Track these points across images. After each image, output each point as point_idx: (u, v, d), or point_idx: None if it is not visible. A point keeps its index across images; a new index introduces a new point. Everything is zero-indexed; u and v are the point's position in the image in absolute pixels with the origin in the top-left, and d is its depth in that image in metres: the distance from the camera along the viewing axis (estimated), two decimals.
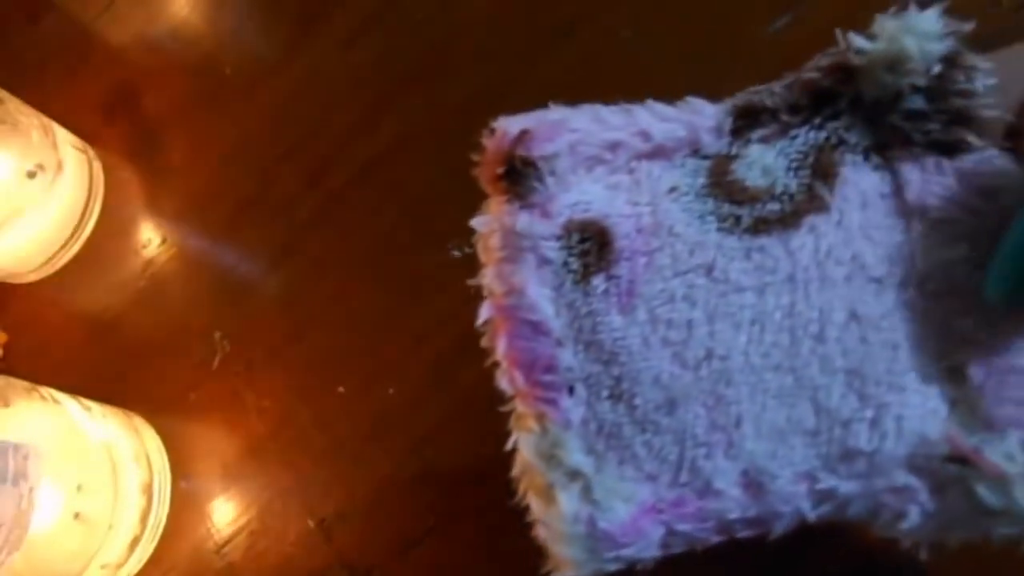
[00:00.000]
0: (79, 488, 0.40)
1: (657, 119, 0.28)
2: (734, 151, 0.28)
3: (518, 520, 0.40)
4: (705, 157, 0.28)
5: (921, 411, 0.24)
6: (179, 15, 0.54)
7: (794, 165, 0.27)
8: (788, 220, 0.26)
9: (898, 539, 0.25)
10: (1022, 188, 0.24)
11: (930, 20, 0.26)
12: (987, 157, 0.26)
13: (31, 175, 0.47)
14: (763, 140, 0.28)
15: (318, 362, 0.45)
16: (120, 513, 0.42)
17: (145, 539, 0.44)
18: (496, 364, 0.28)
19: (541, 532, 0.26)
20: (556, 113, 0.28)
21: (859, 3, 0.43)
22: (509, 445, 0.27)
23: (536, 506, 0.26)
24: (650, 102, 0.29)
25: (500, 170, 0.27)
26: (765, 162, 0.27)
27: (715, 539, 0.25)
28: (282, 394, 0.45)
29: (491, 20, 0.49)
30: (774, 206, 0.27)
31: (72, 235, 0.50)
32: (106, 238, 0.51)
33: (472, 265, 0.44)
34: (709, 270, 0.26)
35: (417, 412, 0.43)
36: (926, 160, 0.26)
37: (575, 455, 0.26)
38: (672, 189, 0.28)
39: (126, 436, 0.44)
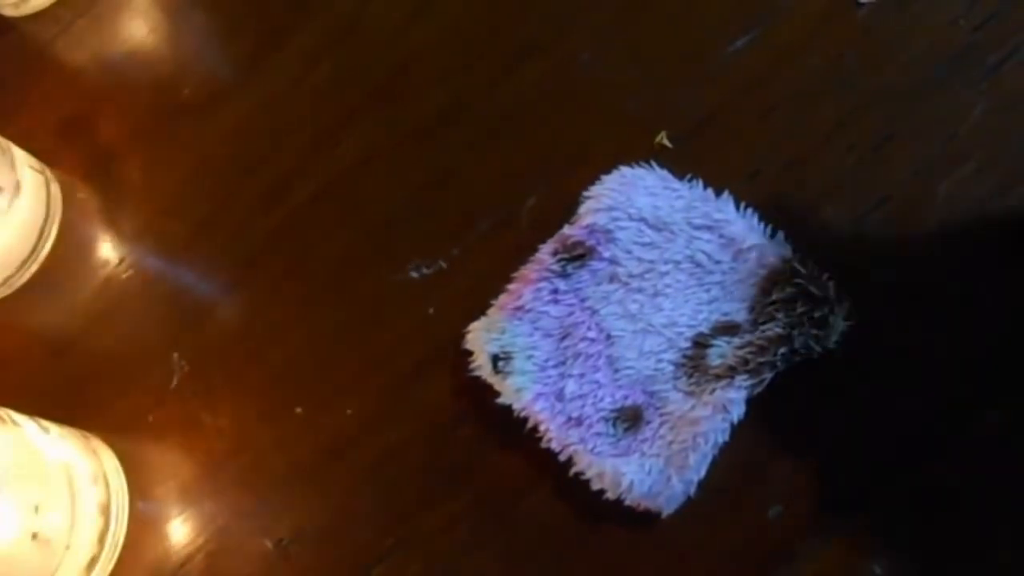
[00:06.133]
0: (37, 509, 0.40)
1: None
2: None
3: (477, 539, 0.41)
4: None
5: None
6: (137, 36, 0.54)
7: None
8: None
9: None
10: None
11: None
12: None
13: None
14: None
15: (276, 383, 0.46)
16: (78, 533, 0.42)
17: (103, 559, 0.44)
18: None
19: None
20: None
21: (818, 24, 0.45)
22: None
23: None
24: None
25: None
26: None
27: None
28: (240, 415, 0.46)
29: (451, 42, 0.49)
30: None
31: (30, 256, 0.50)
32: (64, 259, 0.51)
33: (430, 286, 0.45)
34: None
35: (375, 432, 0.44)
36: None
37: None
38: None
39: (84, 457, 0.44)
